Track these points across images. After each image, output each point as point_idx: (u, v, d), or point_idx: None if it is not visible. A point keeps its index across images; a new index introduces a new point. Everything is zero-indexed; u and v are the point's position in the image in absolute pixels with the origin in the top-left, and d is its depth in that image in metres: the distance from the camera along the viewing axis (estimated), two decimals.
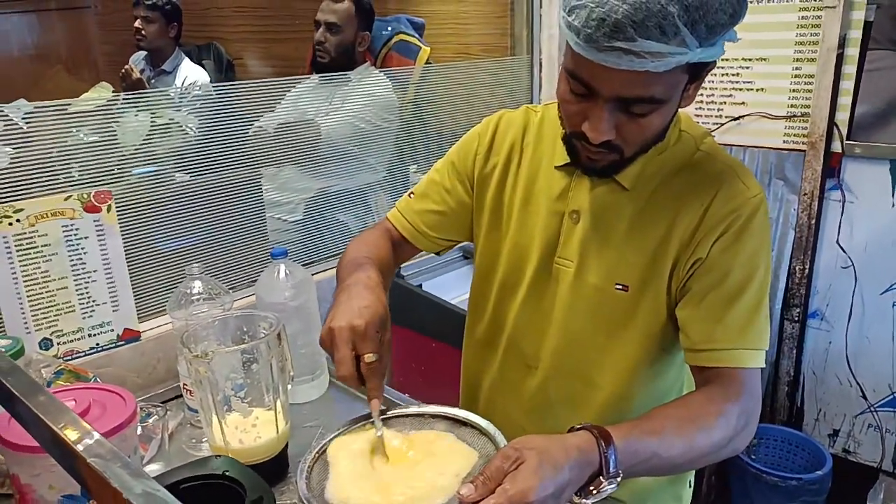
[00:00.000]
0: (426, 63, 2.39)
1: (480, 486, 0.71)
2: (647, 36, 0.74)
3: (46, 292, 1.21)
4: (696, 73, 0.84)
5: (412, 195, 1.17)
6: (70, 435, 0.53)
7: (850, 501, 2.05)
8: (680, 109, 0.93)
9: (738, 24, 0.80)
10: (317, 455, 0.87)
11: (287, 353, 0.98)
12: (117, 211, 1.28)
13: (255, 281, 1.26)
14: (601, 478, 0.76)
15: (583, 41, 0.77)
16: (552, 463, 0.72)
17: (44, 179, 1.28)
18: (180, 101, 1.90)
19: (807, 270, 2.02)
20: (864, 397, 2.03)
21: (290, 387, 1.03)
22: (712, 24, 0.75)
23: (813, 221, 1.98)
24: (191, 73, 2.90)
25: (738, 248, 0.92)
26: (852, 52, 1.84)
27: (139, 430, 0.99)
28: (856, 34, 1.82)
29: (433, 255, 1.21)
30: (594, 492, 0.76)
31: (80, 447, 0.51)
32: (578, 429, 0.80)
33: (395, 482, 0.81)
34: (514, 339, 1.10)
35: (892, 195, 1.87)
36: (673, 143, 0.97)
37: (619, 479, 0.77)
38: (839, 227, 1.97)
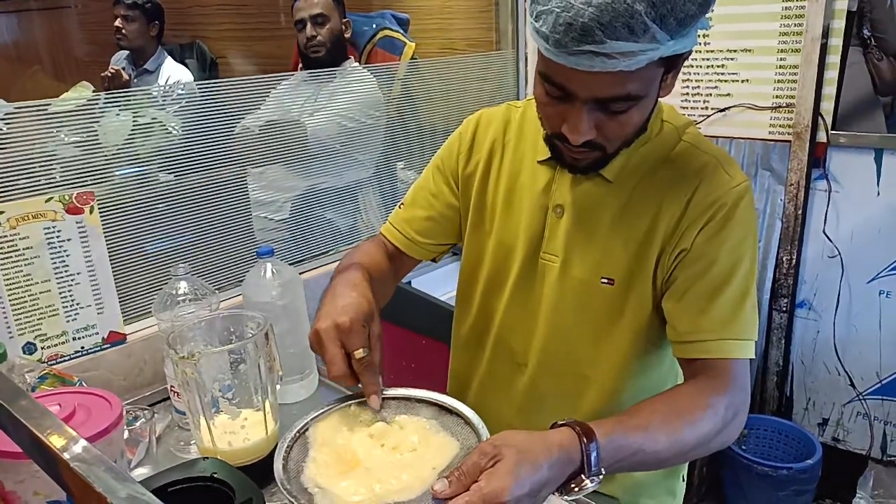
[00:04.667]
0: (411, 59, 2.38)
1: (455, 482, 0.70)
2: (615, 37, 0.73)
3: (29, 296, 1.19)
4: (672, 63, 0.83)
5: (402, 206, 1.16)
6: (53, 440, 0.52)
7: (839, 489, 2.07)
8: (662, 100, 0.93)
9: (708, 13, 0.79)
10: (297, 435, 0.86)
11: (275, 353, 0.96)
12: (100, 212, 1.26)
13: (242, 280, 1.25)
14: (583, 475, 0.75)
15: (552, 46, 0.76)
16: (531, 461, 0.71)
17: (24, 181, 1.26)
18: (163, 101, 1.88)
19: (794, 261, 2.03)
20: (853, 385, 2.04)
21: (278, 387, 1.02)
22: (682, 16, 0.74)
23: (799, 212, 1.99)
24: (174, 73, 2.88)
25: (723, 237, 0.91)
26: (836, 42, 1.84)
27: (126, 434, 0.98)
28: (839, 24, 1.83)
29: (430, 261, 1.19)
30: (575, 489, 0.75)
31: (63, 452, 0.50)
32: (561, 425, 0.79)
33: (373, 470, 0.81)
34: (502, 336, 1.09)
35: (878, 184, 1.88)
36: (655, 134, 0.97)
37: (601, 477, 0.76)
38: (825, 216, 1.98)
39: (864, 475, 1.92)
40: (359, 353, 0.86)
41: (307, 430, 0.88)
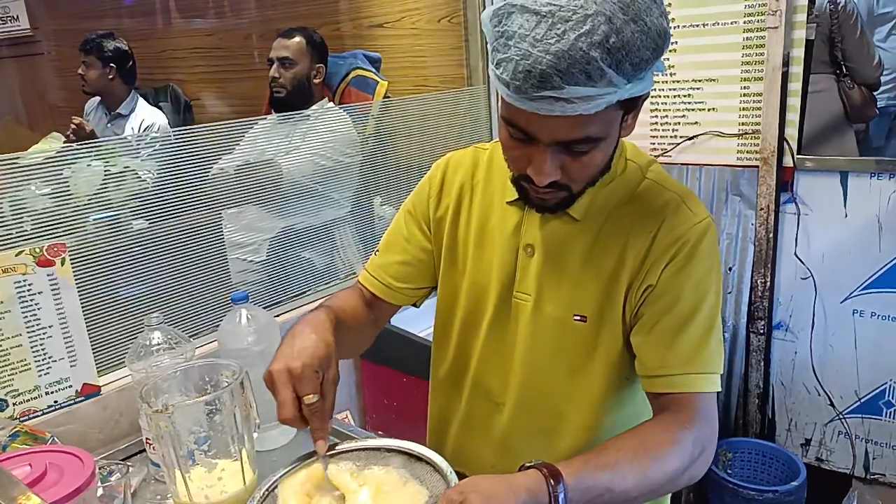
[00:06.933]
0: (384, 97, 2.40)
1: None
2: (573, 83, 0.75)
3: (0, 351, 1.18)
4: (631, 105, 0.85)
5: (377, 253, 1.17)
6: None
7: None
8: (628, 138, 0.95)
9: (663, 56, 0.82)
10: (266, 493, 0.86)
11: (252, 401, 0.96)
12: (72, 262, 1.25)
13: (218, 326, 1.24)
14: None
15: (513, 93, 0.78)
16: None
17: None
18: (137, 147, 1.88)
19: (768, 283, 2.06)
20: (833, 405, 2.06)
21: (256, 434, 1.01)
22: (637, 61, 0.76)
23: (771, 235, 2.02)
24: (147, 116, 2.88)
25: (687, 272, 0.93)
26: (796, 69, 1.90)
27: (100, 491, 0.96)
28: (798, 52, 1.88)
29: (412, 306, 1.19)
30: None
31: None
32: (529, 467, 0.79)
33: None
34: (480, 376, 1.09)
35: (845, 206, 1.93)
36: (620, 172, 0.99)
37: None
38: (796, 239, 2.01)
39: (848, 496, 1.93)
40: (308, 399, 0.86)
41: (276, 487, 0.87)
